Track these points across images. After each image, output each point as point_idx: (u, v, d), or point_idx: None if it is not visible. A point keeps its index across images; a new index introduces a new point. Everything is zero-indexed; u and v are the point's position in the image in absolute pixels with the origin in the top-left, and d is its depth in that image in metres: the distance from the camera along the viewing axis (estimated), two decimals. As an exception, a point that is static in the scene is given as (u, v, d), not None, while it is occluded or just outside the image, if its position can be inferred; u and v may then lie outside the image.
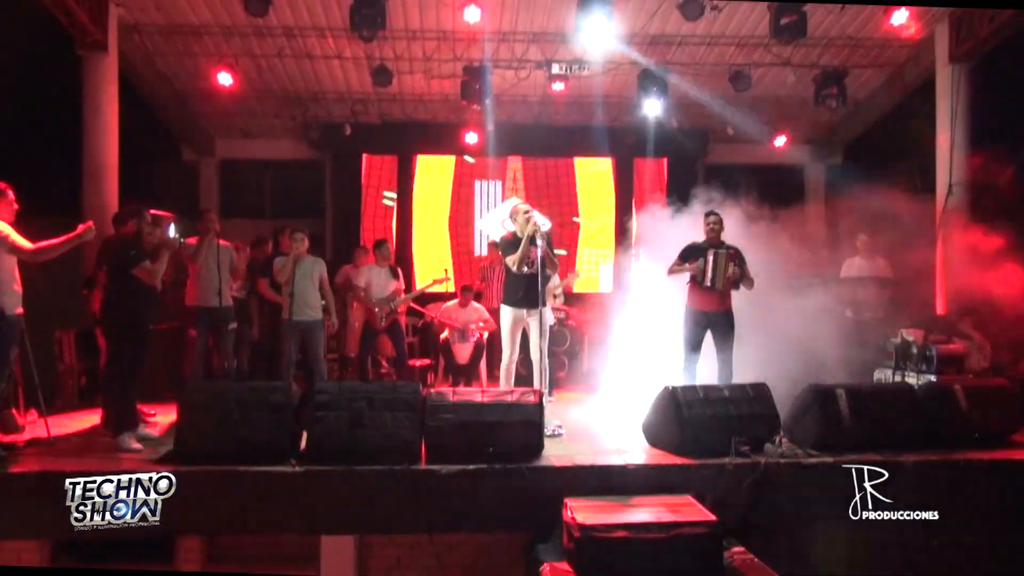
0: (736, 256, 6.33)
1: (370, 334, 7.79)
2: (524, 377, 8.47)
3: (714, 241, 6.38)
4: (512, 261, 6.10)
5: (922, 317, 7.59)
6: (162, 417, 6.32)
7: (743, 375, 6.47)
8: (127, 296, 5.43)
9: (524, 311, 6.15)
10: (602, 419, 6.41)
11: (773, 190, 8.13)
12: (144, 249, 5.48)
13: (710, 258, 6.26)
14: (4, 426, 5.54)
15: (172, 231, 5.77)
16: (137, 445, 5.21)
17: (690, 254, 6.41)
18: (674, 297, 7.89)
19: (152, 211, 5.98)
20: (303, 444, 5.00)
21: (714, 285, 6.26)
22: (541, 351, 6.01)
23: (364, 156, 12.17)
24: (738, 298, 6.55)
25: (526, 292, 6.09)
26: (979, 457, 5.07)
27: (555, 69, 10.05)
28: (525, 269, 6.06)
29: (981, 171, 8.74)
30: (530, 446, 4.95)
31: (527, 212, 6.23)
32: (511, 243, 6.21)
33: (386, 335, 7.79)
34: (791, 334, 6.71)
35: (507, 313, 6.21)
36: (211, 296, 6.53)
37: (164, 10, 9.13)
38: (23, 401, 5.98)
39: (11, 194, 5.14)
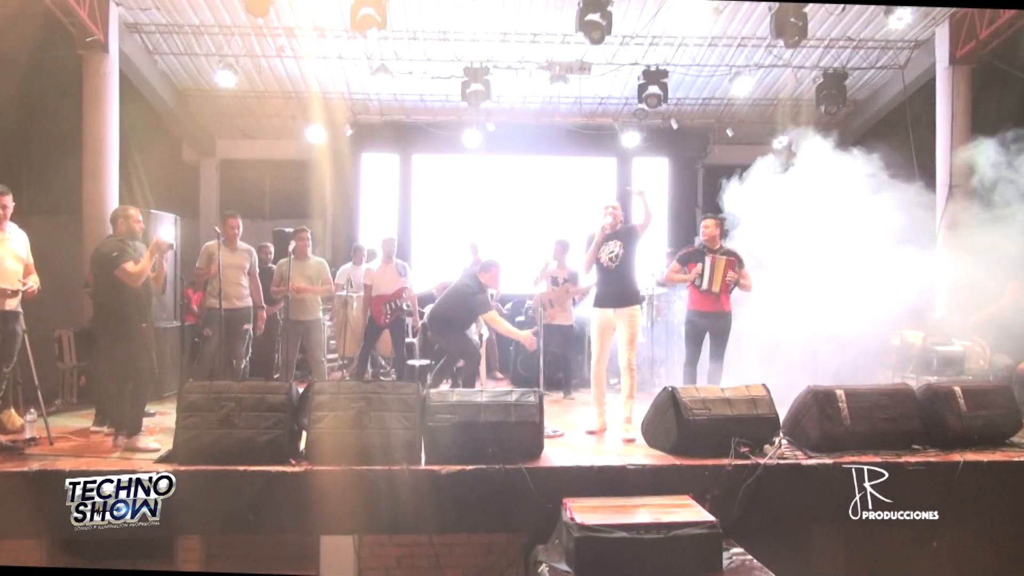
0: (734, 261, 6.41)
1: (373, 330, 7.79)
2: (524, 377, 8.51)
3: (712, 245, 6.47)
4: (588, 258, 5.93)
5: (922, 319, 7.59)
6: (163, 416, 6.34)
7: (743, 375, 6.49)
8: (114, 297, 5.37)
9: (611, 311, 5.86)
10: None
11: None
12: (129, 250, 5.41)
13: (708, 262, 6.37)
14: (3, 426, 5.55)
15: (166, 234, 5.68)
16: (155, 444, 5.20)
17: (688, 259, 6.52)
18: (673, 297, 7.94)
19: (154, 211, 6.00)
20: (303, 444, 4.99)
21: (711, 288, 6.38)
22: None
23: (364, 156, 12.18)
24: (742, 298, 6.61)
25: (605, 290, 5.94)
26: (979, 457, 5.07)
27: (555, 69, 10.07)
28: (606, 261, 5.87)
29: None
30: (530, 446, 4.94)
31: (606, 206, 6.00)
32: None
33: (388, 332, 7.80)
34: (793, 335, 6.74)
35: (593, 314, 6.02)
36: (227, 297, 6.55)
37: (165, 9, 9.15)
38: (23, 401, 5.97)
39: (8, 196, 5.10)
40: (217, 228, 6.79)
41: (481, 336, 8.19)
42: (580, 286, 8.02)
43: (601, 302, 5.93)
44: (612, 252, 5.84)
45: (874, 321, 7.18)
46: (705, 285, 6.38)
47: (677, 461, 4.98)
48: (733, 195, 7.60)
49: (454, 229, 11.84)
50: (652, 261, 8.51)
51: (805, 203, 7.23)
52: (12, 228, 5.21)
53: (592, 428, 5.97)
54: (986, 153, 7.52)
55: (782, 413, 5.33)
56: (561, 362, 8.25)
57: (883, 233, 7.15)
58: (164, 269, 5.80)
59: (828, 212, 7.23)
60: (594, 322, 5.98)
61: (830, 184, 7.30)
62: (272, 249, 8.75)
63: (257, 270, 7.10)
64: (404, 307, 7.80)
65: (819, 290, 7.10)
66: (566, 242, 8.29)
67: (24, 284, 5.17)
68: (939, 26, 9.30)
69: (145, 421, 6.17)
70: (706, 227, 6.58)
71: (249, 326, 6.93)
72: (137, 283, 5.36)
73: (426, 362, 8.13)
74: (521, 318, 9.08)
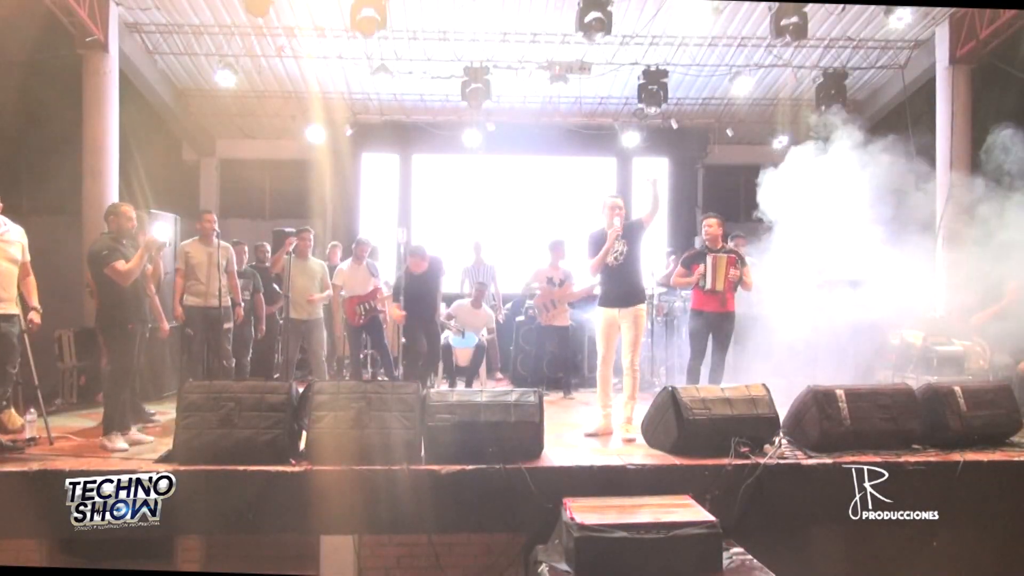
0: (735, 259, 6.43)
1: (351, 331, 7.80)
2: (524, 377, 8.51)
3: (713, 244, 6.50)
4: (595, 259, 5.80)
5: (922, 318, 7.59)
6: (162, 416, 6.34)
7: (745, 375, 6.49)
8: (108, 295, 5.31)
9: (616, 311, 5.79)
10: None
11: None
12: (121, 248, 5.35)
13: (709, 261, 6.38)
14: (3, 426, 5.54)
15: (160, 231, 5.55)
16: (123, 445, 5.17)
17: (692, 261, 6.57)
18: (674, 297, 7.91)
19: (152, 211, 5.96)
20: (303, 444, 4.99)
21: (714, 288, 6.39)
22: None
23: (364, 156, 12.19)
24: (744, 298, 6.63)
25: (610, 289, 5.85)
26: (979, 457, 5.07)
27: (555, 69, 10.07)
28: (611, 261, 5.75)
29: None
30: (530, 446, 4.94)
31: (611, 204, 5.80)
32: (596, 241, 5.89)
33: (365, 332, 7.81)
34: (793, 334, 6.74)
35: (598, 314, 5.92)
36: (206, 295, 6.54)
37: (164, 9, 9.15)
38: (23, 401, 5.97)
39: None
40: (217, 228, 6.79)
41: (483, 337, 8.20)
42: (574, 288, 8.03)
43: (606, 301, 5.86)
44: (616, 251, 5.77)
45: (878, 321, 7.20)
46: (709, 285, 6.41)
47: (677, 461, 4.98)
48: (769, 193, 7.35)
49: (454, 229, 11.85)
50: (652, 261, 8.51)
51: (837, 198, 7.13)
52: (9, 227, 5.13)
53: (591, 430, 5.86)
54: (1008, 142, 7.43)
55: (782, 413, 5.33)
56: (560, 362, 8.26)
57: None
58: (160, 266, 5.73)
59: (857, 206, 7.14)
60: (599, 322, 5.89)
61: (864, 176, 7.20)
62: (269, 249, 8.77)
63: (235, 267, 7.06)
64: (377, 308, 7.80)
65: (838, 288, 7.11)
66: (560, 242, 8.28)
67: (32, 322, 5.21)
68: (939, 26, 9.30)
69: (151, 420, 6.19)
70: (710, 226, 6.57)
71: (231, 324, 6.91)
72: (127, 282, 5.28)
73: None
74: (521, 318, 9.09)
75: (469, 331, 7.96)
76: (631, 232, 5.81)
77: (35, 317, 5.23)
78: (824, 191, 7.08)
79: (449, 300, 8.52)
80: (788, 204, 7.15)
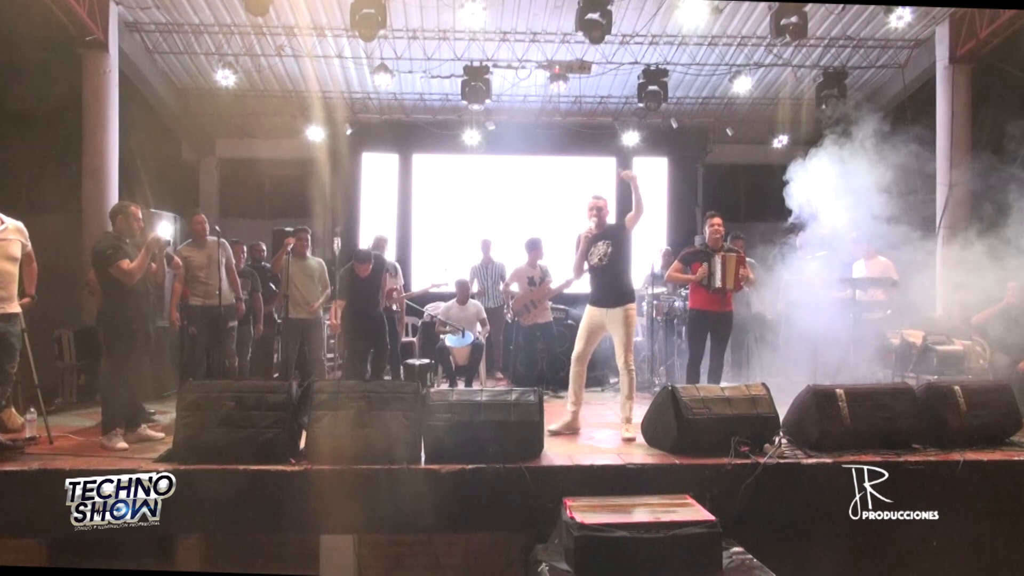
0: (744, 258, 6.44)
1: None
2: (524, 375, 8.51)
3: (716, 244, 6.44)
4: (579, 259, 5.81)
5: (922, 318, 7.59)
6: (163, 416, 6.34)
7: (744, 374, 6.50)
8: (112, 295, 5.31)
9: (603, 311, 5.78)
10: (602, 418, 6.40)
11: (773, 191, 8.13)
12: (124, 247, 5.35)
13: (718, 261, 6.31)
14: (3, 425, 5.54)
15: (163, 230, 5.57)
16: (122, 444, 5.17)
17: (692, 259, 6.49)
18: (674, 296, 7.89)
19: (151, 210, 5.95)
20: (303, 443, 4.99)
21: (724, 287, 6.35)
22: None
23: (364, 155, 12.19)
24: (745, 298, 6.64)
25: (597, 290, 5.84)
26: (979, 457, 5.07)
27: (555, 69, 10.08)
28: (595, 262, 5.77)
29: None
30: (530, 446, 4.94)
31: (591, 205, 5.86)
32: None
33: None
34: (794, 335, 6.74)
35: (584, 312, 5.92)
36: (209, 294, 6.54)
37: (164, 8, 9.15)
38: (22, 400, 5.97)
39: None
40: (217, 227, 6.78)
41: (479, 333, 8.20)
42: (552, 285, 8.04)
43: (594, 301, 5.85)
44: (602, 253, 5.74)
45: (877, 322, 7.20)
46: (718, 283, 6.34)
47: (677, 460, 4.98)
48: (801, 189, 7.26)
49: (454, 228, 11.84)
50: (649, 257, 8.48)
51: (870, 191, 7.09)
52: (6, 223, 5.07)
53: (554, 427, 5.75)
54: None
55: (782, 413, 5.33)
56: (555, 359, 8.25)
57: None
58: (163, 265, 5.73)
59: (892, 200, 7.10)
60: (584, 319, 5.88)
61: (896, 168, 7.15)
62: (264, 248, 8.77)
63: (233, 262, 7.04)
64: (394, 308, 7.77)
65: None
66: (537, 241, 8.27)
67: (22, 304, 5.20)
68: (939, 25, 9.30)
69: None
70: (718, 224, 6.52)
71: (235, 323, 6.90)
72: (132, 281, 5.28)
73: (426, 361, 8.14)
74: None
75: (465, 329, 7.96)
76: (615, 234, 5.76)
77: (26, 301, 5.21)
78: (858, 184, 7.03)
79: (447, 298, 8.53)
80: (826, 198, 7.07)
